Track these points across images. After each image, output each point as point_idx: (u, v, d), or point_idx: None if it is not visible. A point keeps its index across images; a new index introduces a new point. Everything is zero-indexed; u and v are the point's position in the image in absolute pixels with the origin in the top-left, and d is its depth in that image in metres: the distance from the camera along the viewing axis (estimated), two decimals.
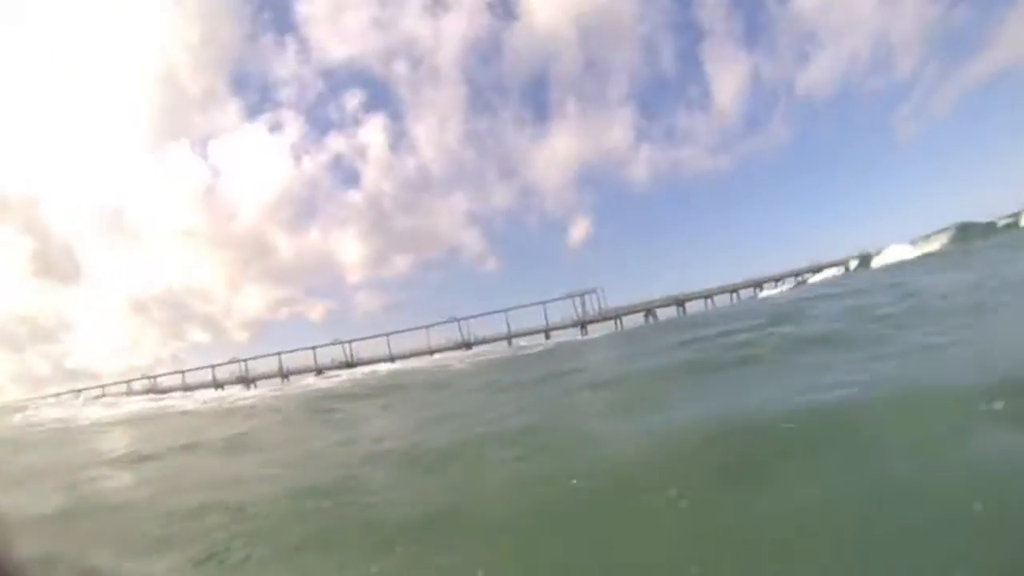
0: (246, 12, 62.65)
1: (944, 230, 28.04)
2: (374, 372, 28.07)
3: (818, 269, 39.00)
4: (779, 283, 43.29)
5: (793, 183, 68.31)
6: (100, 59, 68.57)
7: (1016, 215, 26.27)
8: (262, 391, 27.14)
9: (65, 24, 67.69)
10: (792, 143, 66.45)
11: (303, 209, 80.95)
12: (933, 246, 26.88)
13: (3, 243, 66.10)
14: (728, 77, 64.92)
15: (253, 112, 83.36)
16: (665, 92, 77.61)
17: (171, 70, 65.26)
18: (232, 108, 68.55)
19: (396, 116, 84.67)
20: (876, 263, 29.55)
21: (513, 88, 74.91)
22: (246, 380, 50.22)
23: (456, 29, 64.83)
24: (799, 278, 40.83)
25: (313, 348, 48.59)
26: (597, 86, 71.81)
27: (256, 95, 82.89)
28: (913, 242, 28.90)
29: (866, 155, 67.03)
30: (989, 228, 26.24)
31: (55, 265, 66.05)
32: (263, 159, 69.03)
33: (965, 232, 26.34)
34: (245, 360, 50.99)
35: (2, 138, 67.09)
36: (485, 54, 70.50)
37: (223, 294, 73.74)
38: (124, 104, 66.61)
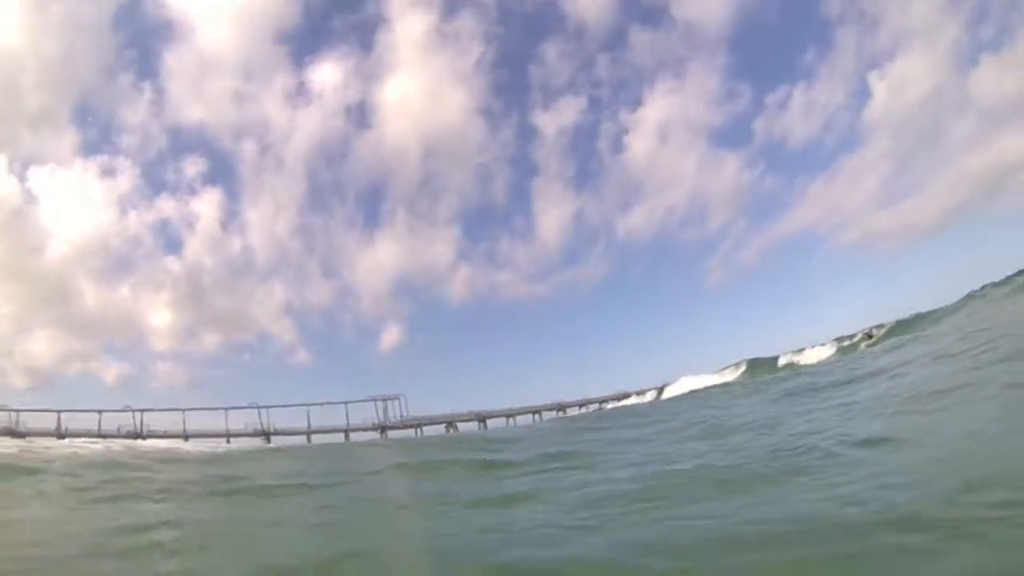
0: (112, 43, 61.46)
1: (736, 364, 32.04)
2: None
3: (622, 397, 45.01)
4: (581, 408, 48.77)
5: (606, 316, 78.39)
6: None
7: (800, 351, 30.92)
8: None
9: None
10: (607, 279, 76.61)
11: (118, 263, 76.27)
12: (726, 377, 30.51)
13: None
14: (554, 213, 74.57)
15: (89, 150, 79.50)
16: (492, 218, 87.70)
17: (14, 75, 61.24)
18: (67, 138, 64.51)
19: (232, 194, 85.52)
20: (668, 392, 32.47)
21: (350, 191, 79.87)
22: (14, 433, 44.93)
23: (311, 124, 69.49)
24: (600, 405, 46.54)
25: (99, 412, 45.19)
26: (429, 203, 78.89)
27: (97, 133, 79.36)
28: (711, 372, 32.63)
29: (677, 296, 78.89)
30: (772, 362, 30.71)
31: None
32: (87, 200, 65.18)
33: (754, 365, 30.60)
34: (18, 411, 45.80)
35: None
36: (332, 154, 74.70)
37: (8, 331, 65.06)
38: None
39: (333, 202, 75.78)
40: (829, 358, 26.64)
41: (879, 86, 61.33)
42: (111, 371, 65.56)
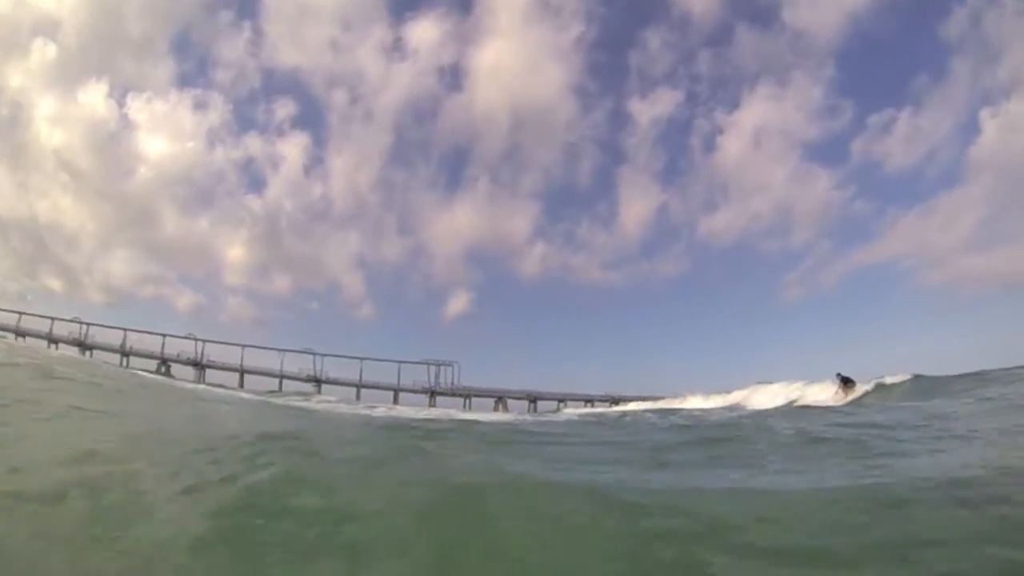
0: None
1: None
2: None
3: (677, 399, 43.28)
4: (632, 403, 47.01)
5: (676, 313, 74.96)
6: None
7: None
8: None
9: None
10: (683, 277, 73.15)
11: (201, 195, 77.56)
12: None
13: None
14: (637, 203, 71.08)
15: (184, 81, 79.80)
16: (574, 200, 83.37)
17: (120, 2, 62.55)
18: (165, 68, 65.66)
19: (319, 140, 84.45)
20: (736, 398, 32.05)
21: (435, 152, 78.21)
22: (82, 345, 46.70)
23: (404, 79, 67.77)
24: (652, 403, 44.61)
25: (163, 336, 46.25)
26: (512, 174, 76.45)
27: (193, 65, 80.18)
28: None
29: (749, 306, 75.12)
30: None
31: None
32: (178, 130, 66.64)
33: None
34: (88, 324, 47.43)
35: None
36: (421, 112, 73.22)
37: (92, 248, 67.96)
38: (61, 17, 62.51)
39: (417, 160, 74.40)
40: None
41: (990, 123, 54.78)
42: (183, 299, 67.60)
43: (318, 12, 68.25)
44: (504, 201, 72.54)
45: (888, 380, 20.79)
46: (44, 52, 58.32)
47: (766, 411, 21.61)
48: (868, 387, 20.70)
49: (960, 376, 18.70)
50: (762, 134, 66.23)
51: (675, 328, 73.30)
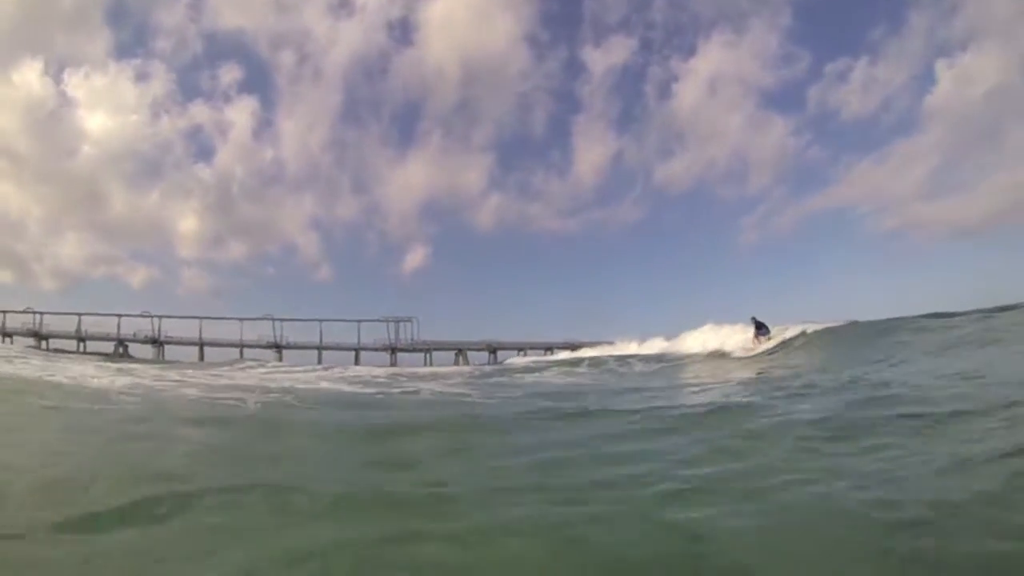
0: None
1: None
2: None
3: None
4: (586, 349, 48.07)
5: (633, 260, 76.62)
6: None
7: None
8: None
9: None
10: (640, 224, 74.58)
11: (148, 168, 75.11)
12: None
13: None
14: (592, 151, 70.96)
15: (123, 52, 76.39)
16: (528, 150, 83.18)
17: None
18: (101, 40, 62.50)
19: (267, 104, 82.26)
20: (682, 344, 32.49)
21: (386, 108, 77.21)
22: (38, 335, 46.33)
23: (351, 36, 65.86)
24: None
25: (118, 316, 45.91)
26: (465, 127, 75.64)
27: (131, 35, 76.41)
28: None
29: (707, 250, 76.92)
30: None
31: None
32: (120, 104, 64.41)
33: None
34: (41, 313, 46.92)
35: None
36: (370, 69, 72.03)
37: (38, 233, 66.29)
38: None
39: (368, 118, 72.97)
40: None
41: (945, 75, 55.91)
42: (137, 275, 66.53)
43: None
44: (457, 154, 72.11)
45: (810, 328, 19.96)
46: None
47: (676, 359, 22.24)
48: (791, 334, 20.07)
49: (889, 320, 19.13)
50: (718, 81, 66.06)
51: (634, 273, 74.53)
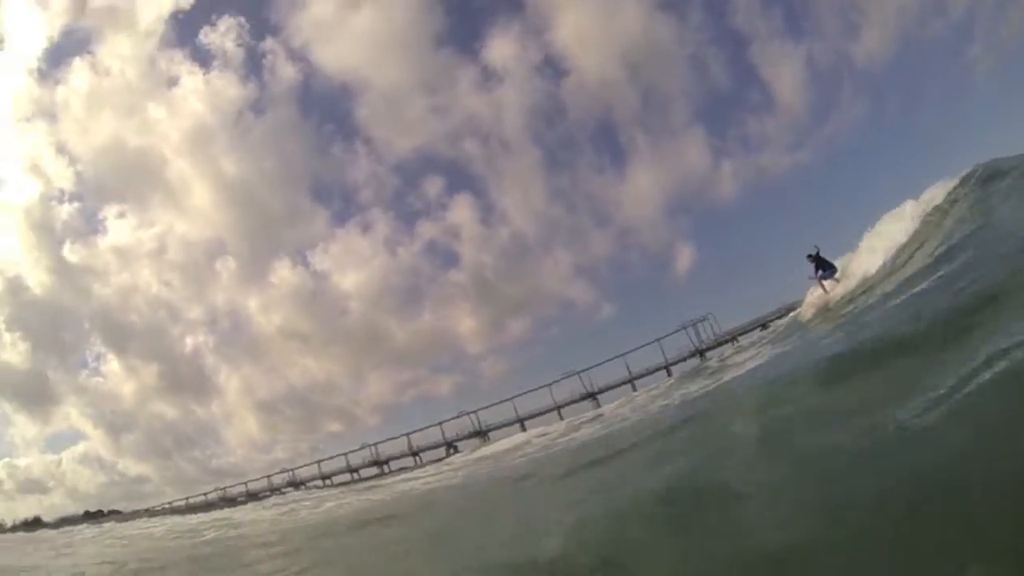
0: (310, 128, 70.42)
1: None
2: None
3: None
4: None
5: (878, 155, 62.84)
6: (199, 195, 77.20)
7: None
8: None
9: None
10: (867, 116, 61.89)
11: (409, 295, 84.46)
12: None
13: (134, 368, 74.52)
14: (784, 73, 62.85)
15: (341, 218, 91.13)
16: (727, 104, 76.23)
17: (254, 195, 73.06)
18: (320, 218, 75.28)
19: (479, 192, 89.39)
20: None
21: (582, 139, 77.46)
22: (378, 463, 51.54)
23: (512, 98, 68.33)
24: None
25: (440, 424, 49.13)
26: (660, 116, 72.68)
27: (339, 202, 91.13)
28: None
29: (940, 102, 60.04)
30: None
31: (185, 381, 73.19)
32: (360, 258, 74.40)
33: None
34: (375, 444, 52.38)
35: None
36: (547, 114, 73.89)
37: (348, 385, 77.96)
38: (219, 234, 75.30)
39: (571, 156, 75.43)
40: None
41: None
42: (443, 385, 73.75)
43: (403, 93, 72.32)
44: (668, 143, 70.21)
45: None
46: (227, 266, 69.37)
47: None
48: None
49: None
50: None
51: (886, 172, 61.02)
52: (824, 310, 13.90)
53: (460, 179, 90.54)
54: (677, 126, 72.71)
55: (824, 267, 14.66)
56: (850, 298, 12.56)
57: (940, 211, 11.87)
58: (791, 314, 19.13)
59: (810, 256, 14.81)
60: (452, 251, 79.62)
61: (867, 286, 12.14)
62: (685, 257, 70.17)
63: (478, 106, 71.09)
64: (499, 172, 74.95)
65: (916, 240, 11.69)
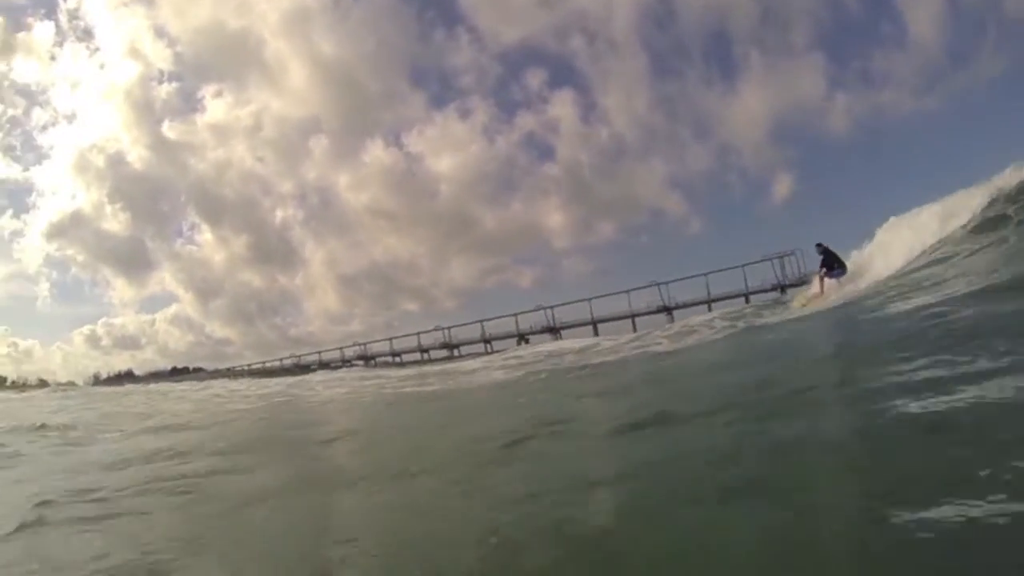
0: (411, 14, 67.81)
1: None
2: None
3: None
4: None
5: (1011, 119, 50.62)
6: (295, 75, 78.07)
7: None
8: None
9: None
10: (1009, 73, 49.37)
11: (502, 184, 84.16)
12: None
13: (225, 238, 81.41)
14: (922, 6, 51.29)
15: (439, 102, 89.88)
16: (854, 33, 64.28)
17: (351, 76, 72.49)
18: (417, 101, 74.39)
19: (582, 89, 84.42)
20: None
21: (693, 49, 69.56)
22: (449, 346, 54.16)
23: None
24: None
25: (515, 315, 49.81)
26: (779, 35, 63.48)
27: (438, 86, 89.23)
28: None
29: None
30: None
31: (273, 252, 79.17)
32: (456, 142, 73.86)
33: None
34: (448, 327, 54.59)
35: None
36: (658, 19, 66.78)
37: (430, 267, 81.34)
38: (315, 113, 76.41)
39: (679, 65, 70.21)
40: None
41: None
42: (524, 277, 75.88)
43: None
44: (784, 65, 63.91)
45: None
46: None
47: None
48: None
49: None
50: None
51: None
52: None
53: (563, 74, 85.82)
54: (796, 48, 63.30)
55: (833, 264, 12.48)
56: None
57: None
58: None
59: (819, 245, 12.77)
60: (549, 145, 77.31)
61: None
62: (784, 186, 64.06)
63: (587, 2, 64.75)
64: (604, 72, 69.85)
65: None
